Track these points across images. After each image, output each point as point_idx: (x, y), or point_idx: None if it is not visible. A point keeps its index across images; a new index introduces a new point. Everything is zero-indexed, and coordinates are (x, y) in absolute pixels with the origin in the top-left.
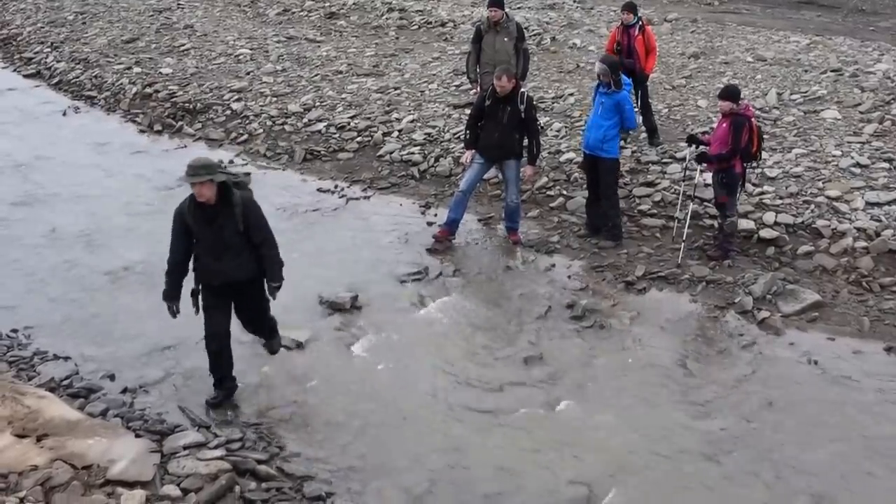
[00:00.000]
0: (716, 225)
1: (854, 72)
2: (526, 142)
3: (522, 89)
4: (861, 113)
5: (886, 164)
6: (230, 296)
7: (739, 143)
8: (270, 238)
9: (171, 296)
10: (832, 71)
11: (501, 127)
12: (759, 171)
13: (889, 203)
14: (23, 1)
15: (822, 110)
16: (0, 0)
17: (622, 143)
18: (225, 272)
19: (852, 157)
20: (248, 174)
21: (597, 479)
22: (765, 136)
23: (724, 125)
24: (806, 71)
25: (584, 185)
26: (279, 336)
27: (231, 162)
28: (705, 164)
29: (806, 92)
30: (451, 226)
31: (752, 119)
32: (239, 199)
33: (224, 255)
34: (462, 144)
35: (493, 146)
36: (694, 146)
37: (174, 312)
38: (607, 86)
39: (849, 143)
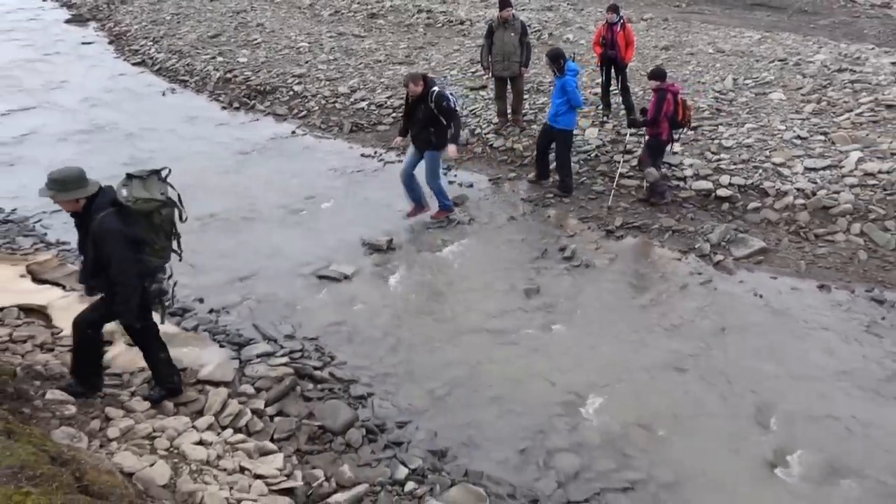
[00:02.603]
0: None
1: (797, 61)
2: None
3: (434, 88)
4: (802, 95)
5: (822, 137)
6: None
7: (658, 113)
8: (121, 279)
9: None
10: (779, 60)
11: (417, 123)
12: (688, 135)
13: (824, 168)
14: (130, 4)
15: (770, 92)
16: (113, 4)
17: (605, 119)
18: (89, 287)
19: (794, 131)
20: (153, 201)
21: (583, 387)
22: (709, 109)
23: (653, 99)
24: (757, 60)
25: (574, 152)
26: (93, 381)
27: (293, 133)
28: (634, 129)
29: (757, 77)
30: (417, 202)
31: (678, 94)
32: (96, 226)
33: (83, 274)
34: (477, 119)
35: (415, 138)
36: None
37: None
38: (554, 73)
39: (792, 119)
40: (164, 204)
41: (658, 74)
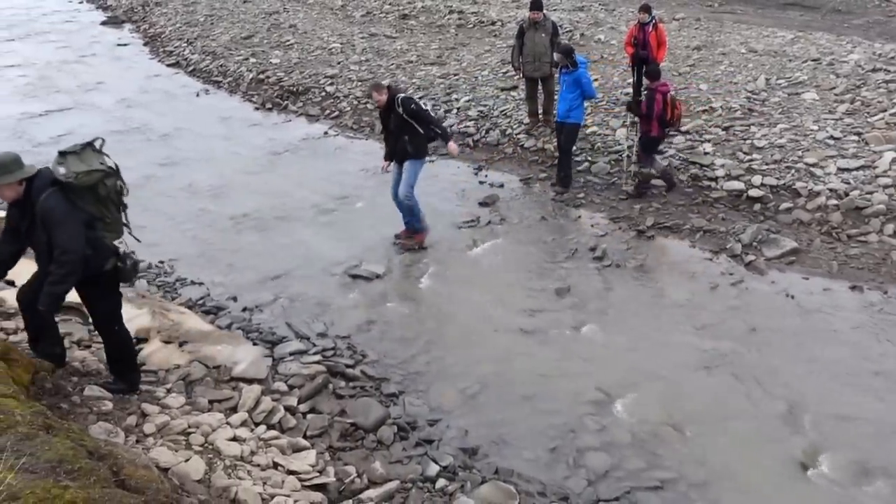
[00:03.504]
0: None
1: (830, 61)
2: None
3: (398, 95)
4: (835, 95)
5: (855, 137)
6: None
7: (650, 111)
8: (62, 258)
9: None
10: (812, 60)
11: (392, 133)
12: (719, 135)
13: (857, 169)
14: (165, 6)
15: (803, 92)
16: (147, 6)
17: (636, 119)
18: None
19: (827, 131)
20: (95, 173)
21: (613, 386)
22: (741, 109)
23: (644, 98)
24: (790, 60)
25: (606, 152)
26: (131, 378)
27: (326, 133)
28: (631, 114)
29: (790, 77)
30: (408, 225)
31: (668, 93)
32: (40, 207)
33: (39, 258)
34: (508, 119)
35: (394, 152)
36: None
37: None
38: (566, 67)
39: (825, 119)
40: (106, 174)
41: (650, 74)
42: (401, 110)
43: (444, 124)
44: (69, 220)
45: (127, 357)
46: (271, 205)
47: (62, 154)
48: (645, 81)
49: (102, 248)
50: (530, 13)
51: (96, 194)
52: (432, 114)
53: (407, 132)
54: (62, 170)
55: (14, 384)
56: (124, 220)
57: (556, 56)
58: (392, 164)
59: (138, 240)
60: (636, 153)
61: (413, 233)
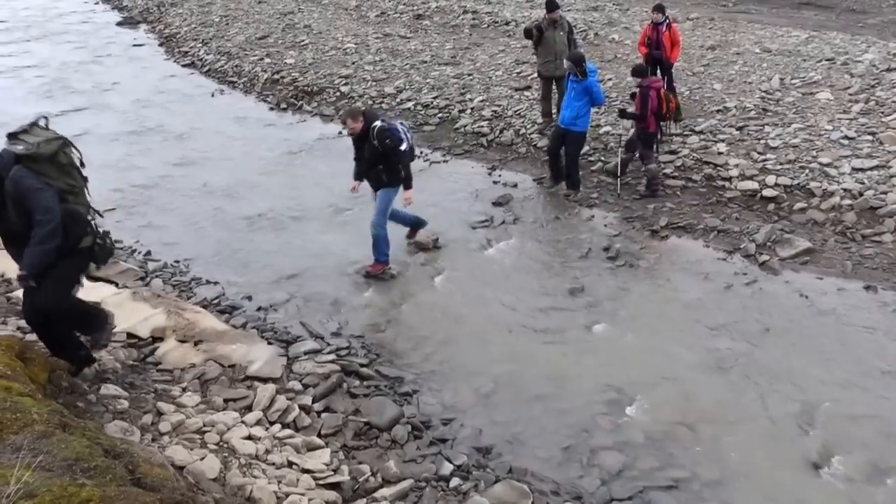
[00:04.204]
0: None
1: (845, 61)
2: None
3: (375, 123)
4: (850, 95)
5: (870, 137)
6: None
7: (645, 108)
8: (45, 217)
9: None
10: (826, 60)
11: (365, 162)
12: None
13: (871, 169)
14: (180, 7)
15: (818, 92)
16: (163, 7)
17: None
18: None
19: (841, 131)
20: (54, 140)
21: (626, 385)
22: (755, 109)
23: (638, 96)
24: (804, 60)
25: (619, 151)
26: (97, 324)
27: (340, 133)
28: (625, 120)
29: (804, 77)
30: (411, 225)
31: (661, 90)
32: (9, 183)
33: (13, 243)
34: (521, 119)
35: (367, 178)
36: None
37: None
38: (576, 76)
39: (839, 119)
40: (65, 142)
41: (637, 72)
42: (376, 143)
43: (459, 124)
44: (43, 187)
45: (82, 312)
46: (286, 205)
47: (13, 135)
48: (636, 80)
49: (80, 219)
50: (548, 14)
51: (59, 164)
52: (407, 148)
53: (382, 162)
54: (20, 147)
55: (31, 383)
56: (87, 194)
57: (565, 63)
58: (362, 184)
59: (102, 215)
60: (639, 153)
61: (376, 262)
